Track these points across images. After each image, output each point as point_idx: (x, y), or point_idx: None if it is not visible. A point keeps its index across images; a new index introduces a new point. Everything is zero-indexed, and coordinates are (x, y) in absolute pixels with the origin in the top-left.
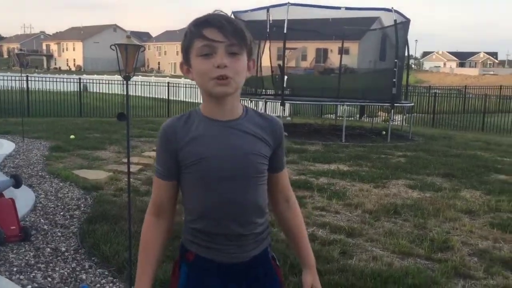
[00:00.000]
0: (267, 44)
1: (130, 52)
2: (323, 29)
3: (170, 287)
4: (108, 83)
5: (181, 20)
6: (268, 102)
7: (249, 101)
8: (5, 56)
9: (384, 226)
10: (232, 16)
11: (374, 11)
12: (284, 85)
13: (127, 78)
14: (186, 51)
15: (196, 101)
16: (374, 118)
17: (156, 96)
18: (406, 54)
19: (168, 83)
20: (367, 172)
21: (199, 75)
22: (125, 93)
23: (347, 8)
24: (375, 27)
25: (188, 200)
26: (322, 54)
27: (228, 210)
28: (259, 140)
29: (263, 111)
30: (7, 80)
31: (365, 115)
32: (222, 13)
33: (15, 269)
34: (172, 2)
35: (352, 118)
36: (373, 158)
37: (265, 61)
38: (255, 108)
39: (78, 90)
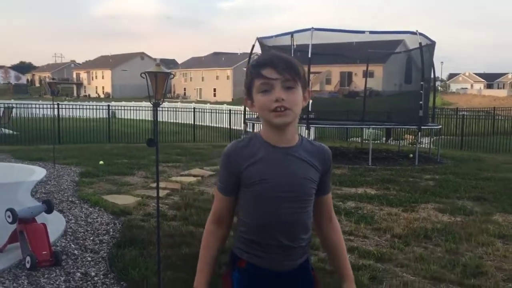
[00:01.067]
0: None
1: (160, 80)
2: (347, 53)
3: None
4: (136, 110)
5: (206, 47)
6: None
7: None
8: (37, 84)
9: (414, 251)
10: (257, 42)
11: (398, 34)
12: (309, 109)
13: (156, 105)
14: (248, 89)
15: (222, 126)
16: (401, 141)
17: (182, 122)
18: (432, 76)
19: (194, 108)
20: (395, 196)
21: (261, 109)
22: (154, 119)
23: (371, 32)
24: (400, 50)
25: (245, 214)
26: (347, 78)
27: (280, 227)
28: (311, 167)
29: None
30: (40, 108)
31: (391, 138)
32: (277, 52)
33: None
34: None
35: (378, 141)
36: (401, 181)
37: None
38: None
39: (107, 116)
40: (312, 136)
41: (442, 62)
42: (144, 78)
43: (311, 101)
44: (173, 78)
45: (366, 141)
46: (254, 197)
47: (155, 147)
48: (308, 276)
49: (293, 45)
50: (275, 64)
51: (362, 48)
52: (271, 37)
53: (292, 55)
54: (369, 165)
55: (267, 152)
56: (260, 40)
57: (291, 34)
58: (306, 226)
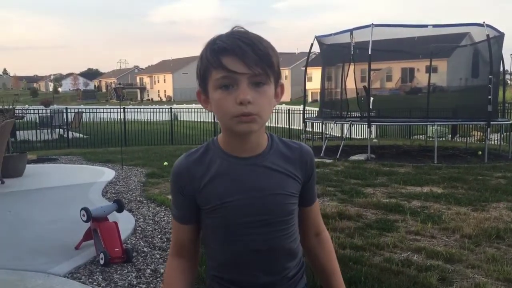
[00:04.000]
0: (351, 67)
1: None
2: (409, 48)
3: None
4: (197, 112)
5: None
6: (354, 125)
7: (334, 124)
8: (104, 90)
9: (486, 251)
10: (316, 41)
11: (463, 27)
12: (370, 107)
13: None
14: (202, 79)
15: (281, 126)
16: (468, 138)
17: None
18: (501, 69)
19: None
20: (463, 195)
21: (218, 110)
22: (217, 119)
23: (434, 26)
24: (465, 43)
25: (209, 246)
26: (408, 74)
27: (254, 259)
28: (288, 177)
29: (348, 134)
30: (107, 112)
31: (458, 135)
32: (242, 30)
33: None
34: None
35: (444, 139)
36: (469, 179)
37: (350, 83)
38: (340, 132)
39: (170, 119)
40: (373, 135)
41: (511, 55)
42: None
43: (372, 98)
44: None
45: (431, 139)
46: (216, 227)
47: None
48: None
49: (352, 42)
50: (243, 53)
51: (425, 43)
52: (330, 35)
53: (352, 53)
54: (434, 163)
55: (226, 166)
56: (318, 38)
57: (350, 31)
58: (290, 251)
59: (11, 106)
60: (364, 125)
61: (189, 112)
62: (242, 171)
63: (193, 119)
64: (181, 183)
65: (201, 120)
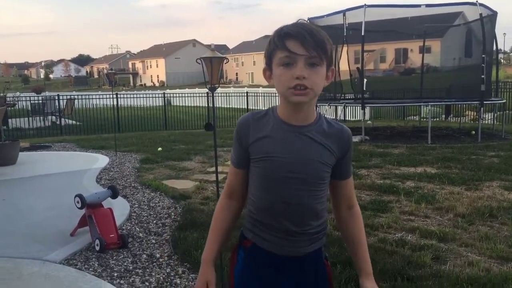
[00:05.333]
0: (345, 48)
1: (215, 65)
2: (402, 29)
3: (229, 271)
4: (190, 96)
5: (257, 31)
6: (348, 107)
7: (328, 106)
8: (96, 76)
9: (479, 230)
10: (309, 23)
11: (456, 6)
12: (364, 88)
13: (213, 90)
14: (269, 58)
15: None
16: (462, 118)
17: (236, 107)
18: (494, 48)
19: (247, 92)
20: (457, 174)
21: (279, 83)
22: (211, 104)
23: (427, 5)
24: (459, 23)
25: (251, 191)
26: (402, 54)
27: (284, 209)
28: (325, 149)
29: (342, 116)
30: (99, 98)
31: (451, 115)
32: (305, 22)
33: (115, 274)
34: (247, 13)
35: (437, 119)
36: (463, 159)
37: (343, 65)
38: (334, 115)
39: (163, 104)
40: (367, 116)
41: (504, 34)
42: (199, 64)
43: (365, 80)
44: (227, 62)
45: (425, 119)
46: (259, 175)
47: (212, 131)
48: (319, 267)
49: (345, 23)
50: (303, 38)
51: (418, 23)
52: (322, 16)
53: (345, 34)
54: (428, 144)
55: (278, 129)
56: (311, 20)
57: (343, 12)
58: (315, 212)
59: (2, 94)
60: (358, 107)
61: (182, 97)
62: (288, 136)
63: (186, 104)
64: (240, 133)
65: (194, 104)
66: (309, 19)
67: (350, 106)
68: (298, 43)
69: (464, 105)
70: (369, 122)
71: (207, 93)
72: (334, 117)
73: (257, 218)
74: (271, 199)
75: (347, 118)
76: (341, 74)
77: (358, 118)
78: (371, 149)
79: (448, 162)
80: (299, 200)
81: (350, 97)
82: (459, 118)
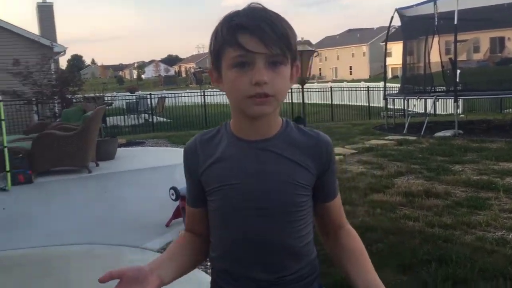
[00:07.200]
0: (435, 39)
1: (305, 58)
2: (498, 17)
3: None
4: None
5: (340, 25)
6: (438, 100)
7: (418, 100)
8: (183, 75)
9: None
10: (396, 14)
11: None
12: (457, 80)
13: (302, 83)
14: (216, 57)
15: (360, 104)
16: None
17: (320, 102)
18: None
19: (331, 88)
20: None
21: (232, 90)
22: (301, 97)
23: None
24: None
25: (211, 233)
26: (498, 44)
27: (251, 252)
28: (298, 166)
29: (432, 109)
30: (188, 96)
31: None
32: (260, 7)
33: (209, 263)
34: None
35: None
36: None
37: (434, 57)
38: (423, 108)
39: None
40: (460, 109)
41: None
42: None
43: (458, 71)
44: (317, 55)
45: None
46: (215, 211)
47: (303, 124)
48: None
49: (436, 13)
50: (261, 32)
51: None
52: (412, 6)
53: (436, 24)
54: None
55: (232, 149)
56: (399, 11)
57: (434, 1)
58: (293, 251)
59: (101, 94)
60: (450, 100)
61: None
62: (246, 155)
63: None
64: (188, 163)
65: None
66: (397, 9)
67: (441, 99)
68: (256, 38)
69: None
70: (462, 115)
71: (291, 89)
72: (423, 111)
73: (221, 267)
74: (234, 240)
75: (437, 112)
76: (432, 66)
77: (450, 112)
78: (465, 143)
79: None
80: (268, 237)
81: (441, 89)
82: None
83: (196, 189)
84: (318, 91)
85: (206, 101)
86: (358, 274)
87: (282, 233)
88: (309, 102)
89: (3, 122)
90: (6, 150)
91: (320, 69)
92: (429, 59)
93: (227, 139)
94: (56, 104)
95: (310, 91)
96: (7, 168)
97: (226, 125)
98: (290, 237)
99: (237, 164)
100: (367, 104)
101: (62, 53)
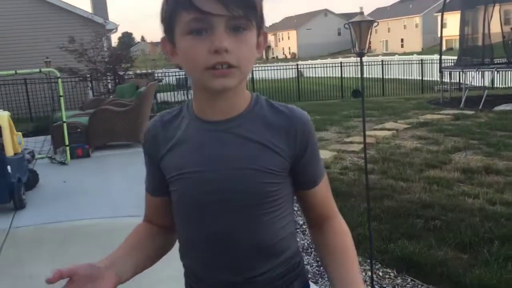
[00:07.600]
0: (496, 8)
1: (364, 29)
2: None
3: None
4: (322, 67)
5: None
6: (499, 72)
7: (476, 72)
8: None
9: None
10: None
11: None
12: None
13: (361, 55)
14: (168, 24)
15: (412, 78)
16: None
17: (370, 76)
18: None
19: (382, 61)
20: None
21: (188, 61)
22: (359, 69)
23: None
24: None
25: (176, 226)
26: None
27: (215, 251)
28: (267, 149)
29: (489, 82)
30: None
31: None
32: None
33: None
34: None
35: None
36: None
37: (494, 27)
38: (481, 82)
39: (296, 76)
40: None
41: None
42: (347, 28)
43: None
44: (377, 26)
45: None
46: (175, 202)
47: (360, 97)
48: None
49: None
50: None
51: None
52: None
53: None
54: None
55: (191, 131)
56: None
57: None
58: (263, 246)
59: (152, 71)
60: (510, 72)
61: (314, 68)
62: (207, 138)
63: (318, 75)
64: (147, 146)
65: (327, 75)
66: None
67: (501, 72)
68: None
69: None
70: None
71: (341, 63)
72: (481, 85)
73: (186, 265)
74: (197, 235)
75: (496, 85)
76: (492, 37)
77: (510, 85)
78: None
79: None
80: (231, 231)
81: (501, 61)
82: None
83: (157, 175)
84: (368, 65)
85: (254, 76)
86: (337, 273)
87: (249, 229)
88: (357, 76)
89: (61, 98)
90: (65, 125)
91: (370, 42)
92: (489, 29)
93: (188, 120)
94: (109, 81)
95: (358, 65)
96: (66, 143)
97: (187, 105)
98: (259, 232)
99: (197, 149)
100: (420, 78)
101: (114, 30)
